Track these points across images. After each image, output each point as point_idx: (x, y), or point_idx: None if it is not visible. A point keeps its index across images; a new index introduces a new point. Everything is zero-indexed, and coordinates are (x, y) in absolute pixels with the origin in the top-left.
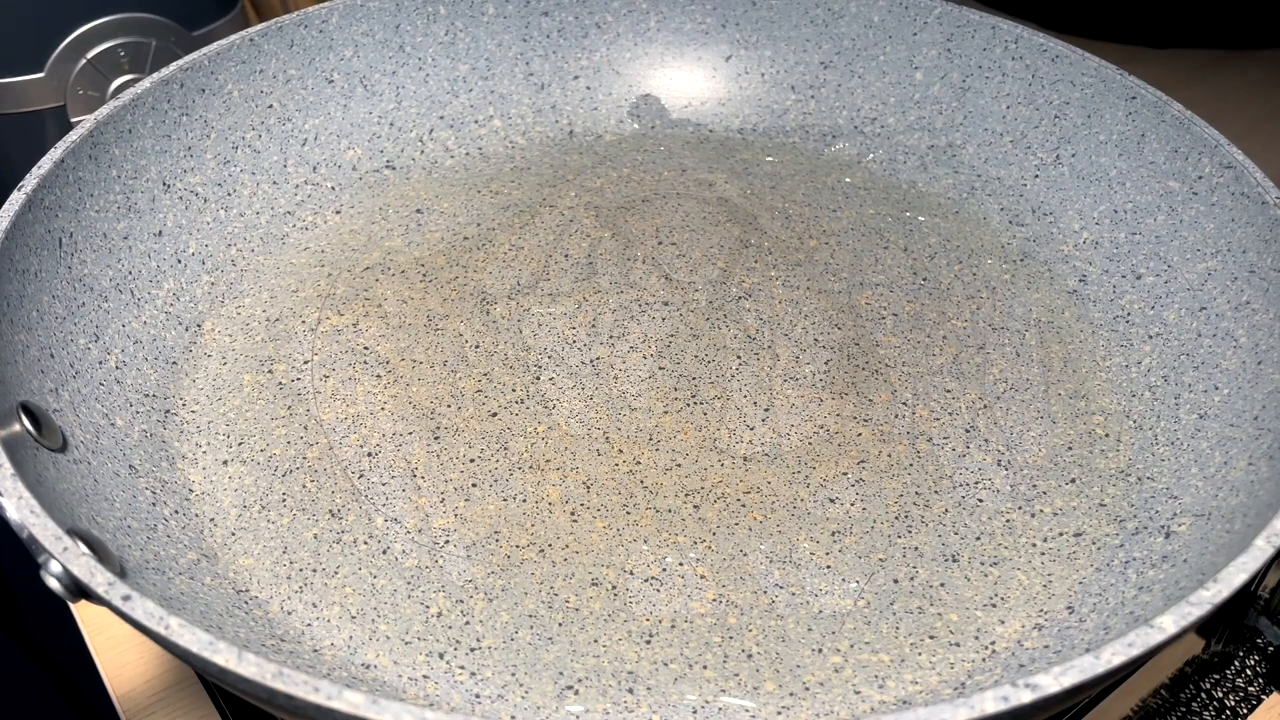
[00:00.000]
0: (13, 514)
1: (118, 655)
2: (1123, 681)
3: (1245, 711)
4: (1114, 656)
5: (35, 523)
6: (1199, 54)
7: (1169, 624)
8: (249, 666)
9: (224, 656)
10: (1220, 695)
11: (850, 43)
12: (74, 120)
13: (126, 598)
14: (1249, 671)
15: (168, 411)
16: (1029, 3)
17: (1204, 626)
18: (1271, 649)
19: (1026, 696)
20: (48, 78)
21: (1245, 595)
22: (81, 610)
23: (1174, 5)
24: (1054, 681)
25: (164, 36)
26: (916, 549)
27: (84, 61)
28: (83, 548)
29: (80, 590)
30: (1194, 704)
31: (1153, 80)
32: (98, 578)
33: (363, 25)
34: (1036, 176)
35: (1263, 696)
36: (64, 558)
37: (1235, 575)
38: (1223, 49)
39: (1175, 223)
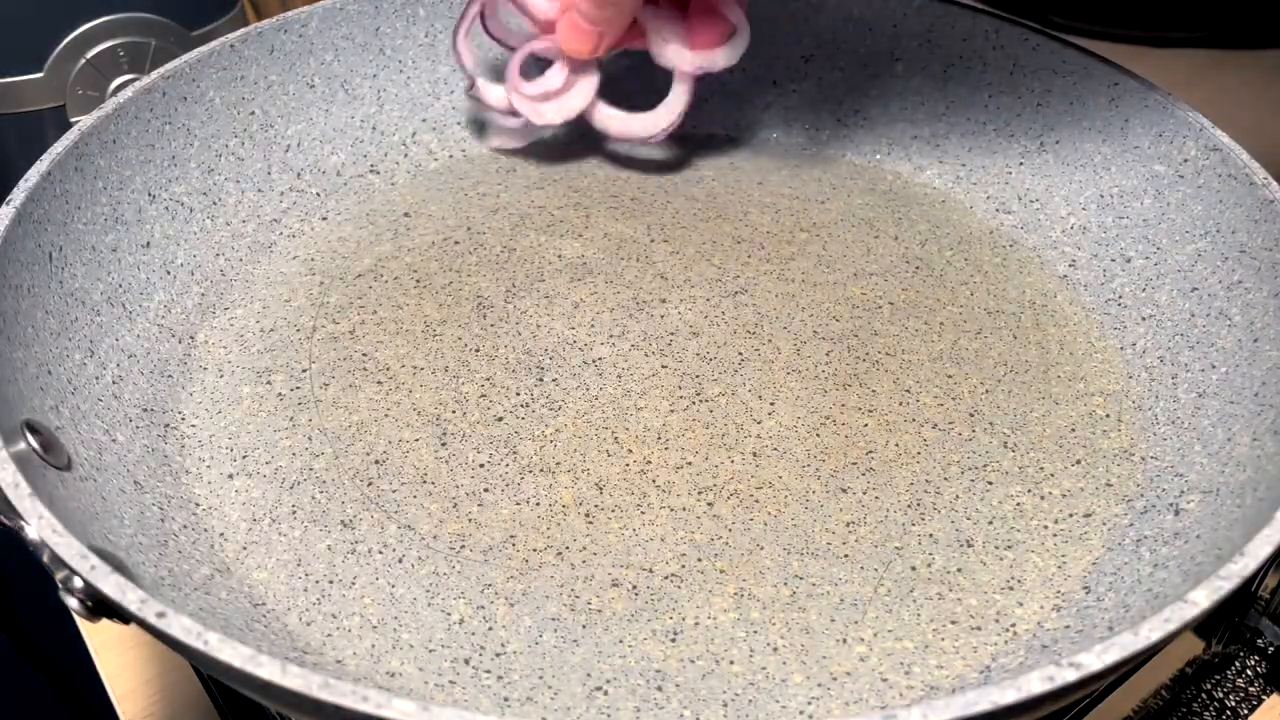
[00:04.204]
0: (33, 534)
1: (117, 656)
2: (1123, 681)
3: (1245, 712)
4: (1153, 632)
5: (59, 542)
6: (1199, 54)
7: (1202, 598)
8: (294, 678)
9: (268, 670)
10: (1220, 696)
11: (831, 36)
12: (73, 120)
13: (161, 614)
14: (1249, 672)
15: (167, 426)
16: (1034, 2)
17: (1204, 626)
18: (1272, 649)
19: (1071, 675)
20: (47, 78)
21: (1245, 595)
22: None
23: (1174, 5)
24: (1097, 660)
25: (164, 36)
26: (931, 535)
27: (83, 61)
28: (108, 566)
29: (105, 610)
30: (1194, 704)
31: (1153, 80)
32: (129, 595)
33: (343, 29)
34: (1021, 164)
35: (1263, 697)
36: (92, 576)
37: (1261, 548)
38: (1223, 49)
39: (1163, 206)
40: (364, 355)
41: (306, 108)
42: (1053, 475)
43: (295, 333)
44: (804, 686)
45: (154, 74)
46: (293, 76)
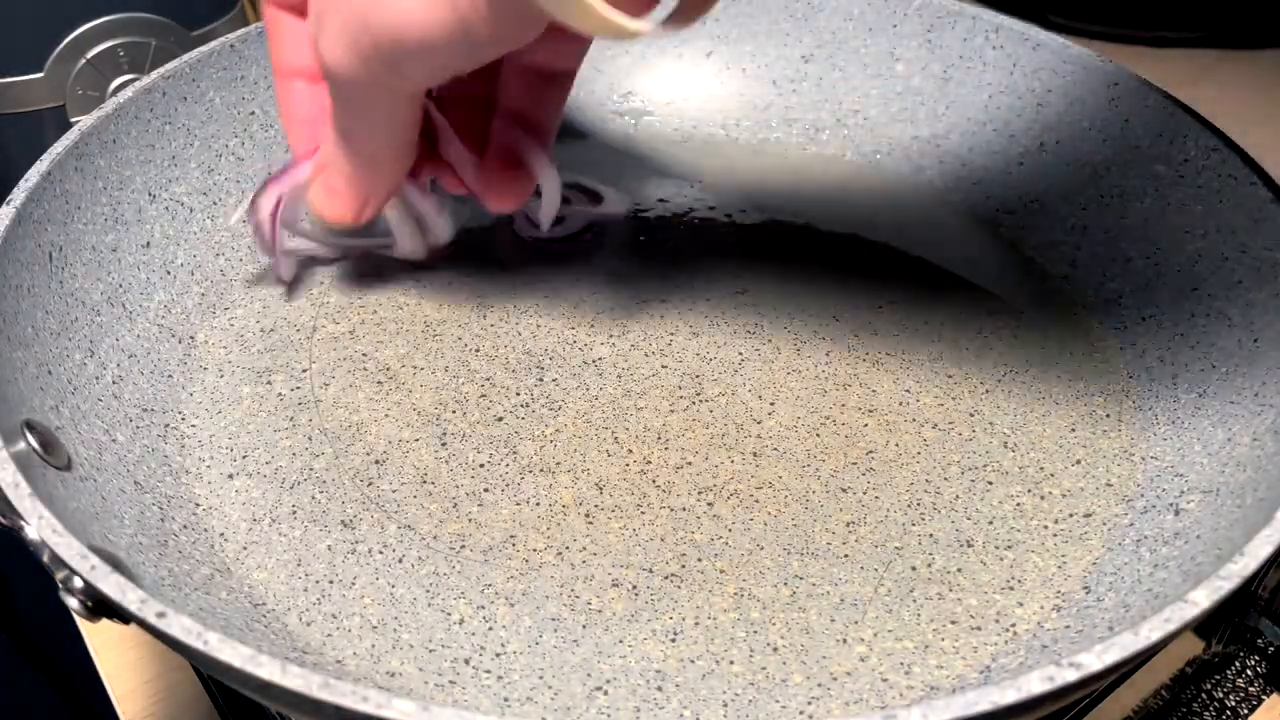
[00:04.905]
0: (33, 534)
1: (117, 656)
2: (1123, 681)
3: (1245, 712)
4: (1153, 632)
5: (59, 542)
6: (1199, 54)
7: (1202, 598)
8: (294, 679)
9: (268, 670)
10: (1220, 696)
11: (831, 36)
12: (73, 120)
13: (161, 614)
14: (1249, 672)
15: (167, 426)
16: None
17: (1204, 626)
18: (1272, 649)
19: (1071, 675)
20: (47, 78)
21: (1245, 595)
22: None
23: (1174, 5)
24: (1097, 660)
25: (164, 36)
26: (931, 535)
27: (83, 61)
28: (108, 566)
29: (105, 610)
30: (1194, 704)
31: (1153, 80)
32: (129, 595)
33: None
34: (1021, 164)
35: (1263, 697)
36: (92, 576)
37: (1261, 548)
38: (1223, 49)
39: (1163, 206)
40: (364, 355)
41: None
42: (1053, 475)
43: (295, 333)
44: (804, 686)
45: (154, 74)
46: None
